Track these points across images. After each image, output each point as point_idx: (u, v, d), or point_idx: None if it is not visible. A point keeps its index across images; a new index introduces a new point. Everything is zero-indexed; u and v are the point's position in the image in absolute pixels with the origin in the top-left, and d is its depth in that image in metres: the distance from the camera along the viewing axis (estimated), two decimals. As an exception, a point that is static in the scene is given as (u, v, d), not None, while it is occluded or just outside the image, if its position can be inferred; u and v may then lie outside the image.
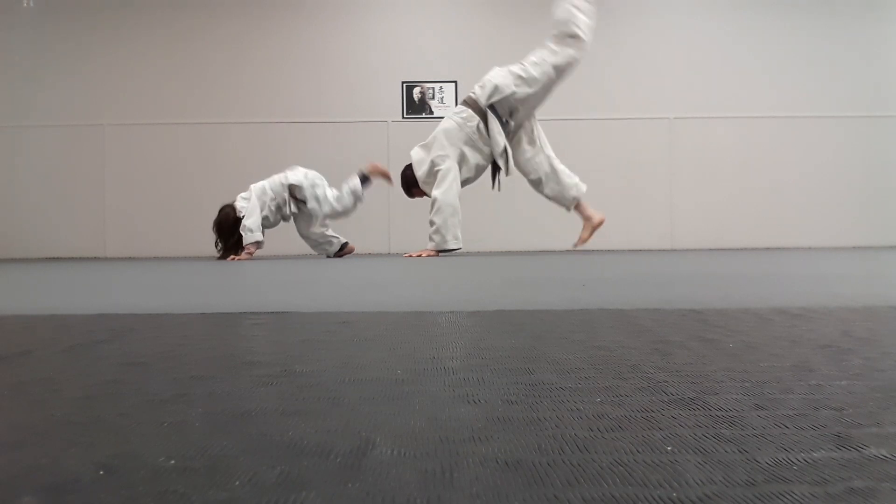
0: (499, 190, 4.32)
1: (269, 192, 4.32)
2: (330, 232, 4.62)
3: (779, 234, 5.68)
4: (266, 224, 4.35)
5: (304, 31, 5.78)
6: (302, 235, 4.62)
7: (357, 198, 4.52)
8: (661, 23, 5.81)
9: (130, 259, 5.15)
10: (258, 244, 4.25)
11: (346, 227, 5.66)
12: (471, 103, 4.18)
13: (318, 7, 5.78)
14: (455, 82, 5.76)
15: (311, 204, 4.38)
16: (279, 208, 4.38)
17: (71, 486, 0.36)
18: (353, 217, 5.68)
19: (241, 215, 4.25)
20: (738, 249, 5.31)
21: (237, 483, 0.36)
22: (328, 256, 4.64)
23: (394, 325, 1.01)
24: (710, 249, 5.39)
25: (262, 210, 4.25)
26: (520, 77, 4.05)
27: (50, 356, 0.80)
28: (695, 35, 5.80)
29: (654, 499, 0.34)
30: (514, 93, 4.04)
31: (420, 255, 4.06)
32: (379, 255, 5.26)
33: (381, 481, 0.36)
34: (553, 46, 4.08)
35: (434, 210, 4.04)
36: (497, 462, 0.39)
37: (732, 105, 5.77)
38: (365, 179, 4.56)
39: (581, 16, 4.04)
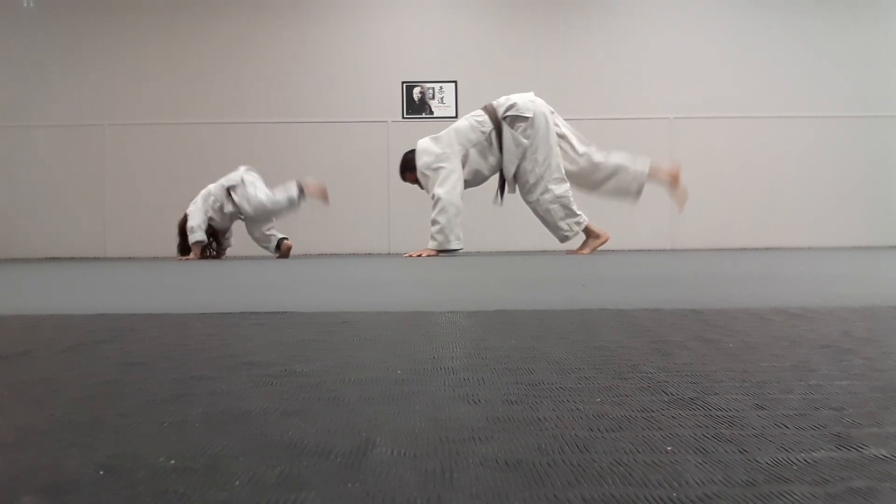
0: (500, 205, 4.33)
1: (212, 196, 4.57)
2: (271, 231, 4.77)
3: (779, 234, 5.68)
4: (216, 224, 4.62)
5: (305, 31, 5.78)
6: (251, 236, 4.81)
7: (292, 205, 4.69)
8: (661, 23, 5.81)
9: (130, 259, 5.15)
10: (199, 243, 4.48)
11: (347, 227, 5.66)
12: (489, 110, 4.19)
13: (319, 7, 5.78)
14: (455, 82, 5.76)
15: (239, 201, 4.56)
16: (221, 208, 4.58)
17: (71, 486, 0.36)
18: (353, 217, 5.69)
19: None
20: (738, 249, 5.31)
21: (237, 483, 0.36)
22: (273, 254, 4.82)
23: (394, 325, 1.01)
24: (710, 249, 5.39)
25: (205, 212, 4.52)
26: (533, 102, 4.08)
27: (50, 356, 0.80)
28: (695, 35, 5.80)
29: (654, 499, 0.34)
30: (529, 119, 4.04)
31: (420, 255, 4.06)
32: (379, 255, 5.26)
33: (381, 481, 0.36)
34: (589, 155, 4.14)
35: (437, 209, 4.04)
36: (497, 462, 0.39)
37: (732, 105, 5.77)
38: (302, 192, 4.70)
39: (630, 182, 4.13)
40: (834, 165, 5.76)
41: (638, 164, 4.16)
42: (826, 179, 5.75)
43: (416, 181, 4.28)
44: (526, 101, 4.10)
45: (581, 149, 4.17)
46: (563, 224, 4.12)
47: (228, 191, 4.57)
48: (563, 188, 4.09)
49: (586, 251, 4.22)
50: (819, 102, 5.78)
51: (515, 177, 4.17)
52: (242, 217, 4.67)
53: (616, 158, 4.17)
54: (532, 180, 4.09)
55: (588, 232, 4.21)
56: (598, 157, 4.17)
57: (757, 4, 5.80)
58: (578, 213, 4.13)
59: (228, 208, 4.58)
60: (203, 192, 4.60)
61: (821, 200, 5.74)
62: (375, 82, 5.76)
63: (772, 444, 0.43)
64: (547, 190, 4.07)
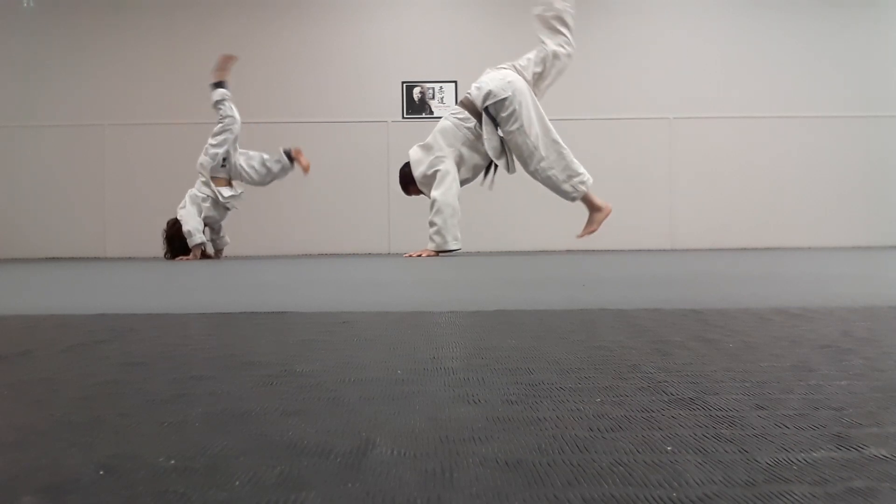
0: (490, 188, 4.31)
1: (200, 194, 4.57)
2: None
3: (779, 234, 5.68)
4: (212, 221, 4.66)
5: (305, 31, 5.78)
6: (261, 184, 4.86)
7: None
8: (661, 23, 5.81)
9: (130, 259, 5.15)
10: (199, 246, 4.48)
11: (347, 227, 5.66)
12: (467, 104, 4.18)
13: (319, 7, 5.78)
14: (455, 82, 5.76)
15: (237, 161, 4.67)
16: (215, 202, 4.61)
17: (71, 486, 0.36)
18: (353, 217, 5.69)
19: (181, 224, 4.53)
20: (738, 249, 5.31)
21: (237, 483, 0.36)
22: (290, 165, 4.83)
23: (394, 325, 1.01)
24: (710, 249, 5.39)
25: (199, 213, 4.52)
26: (509, 81, 4.05)
27: (50, 356, 0.80)
28: (695, 35, 5.80)
29: (654, 499, 0.34)
30: (508, 97, 4.03)
31: (420, 255, 4.07)
32: (379, 255, 5.26)
33: (381, 481, 0.36)
34: (543, 40, 4.10)
35: (434, 211, 4.04)
36: (497, 462, 0.39)
37: (732, 105, 5.77)
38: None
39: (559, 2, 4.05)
40: (834, 165, 5.76)
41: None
42: (826, 179, 5.75)
43: (420, 192, 4.28)
44: (498, 82, 4.07)
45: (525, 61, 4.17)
46: (566, 186, 4.10)
47: (223, 161, 4.59)
48: (558, 150, 4.08)
49: (594, 227, 4.21)
50: (819, 102, 5.78)
51: (512, 155, 4.16)
52: (236, 199, 4.65)
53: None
54: (526, 153, 4.09)
55: (591, 206, 4.20)
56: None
57: (757, 4, 5.80)
58: (580, 171, 4.09)
59: (223, 197, 4.57)
60: (189, 194, 4.57)
61: (821, 200, 5.74)
62: (375, 82, 5.76)
63: (772, 444, 0.43)
64: (542, 158, 4.07)
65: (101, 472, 0.38)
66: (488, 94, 4.06)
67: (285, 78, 5.75)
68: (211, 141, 4.62)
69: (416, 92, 5.76)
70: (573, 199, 4.19)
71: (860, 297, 1.38)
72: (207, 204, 4.56)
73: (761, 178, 5.73)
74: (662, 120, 5.75)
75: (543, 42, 4.14)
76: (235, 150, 4.70)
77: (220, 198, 4.58)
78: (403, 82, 5.77)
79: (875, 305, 1.19)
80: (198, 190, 4.58)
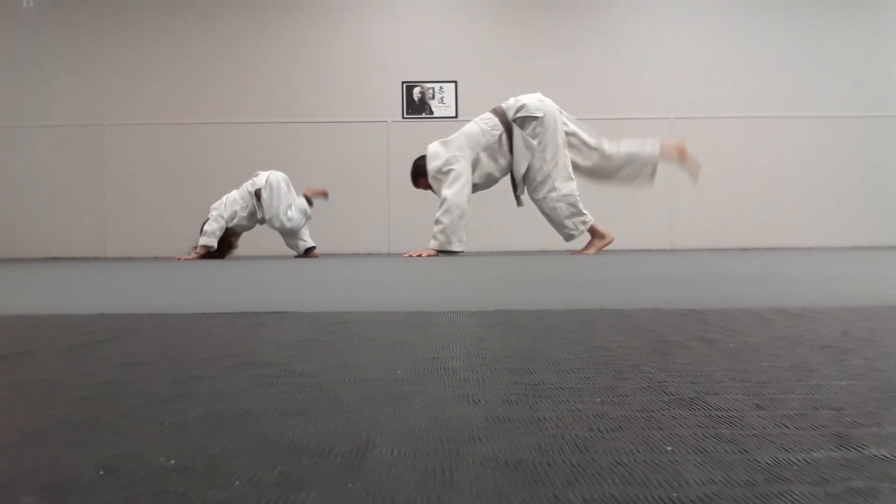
0: (520, 205, 4.34)
1: (241, 201, 4.53)
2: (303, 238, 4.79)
3: (779, 234, 5.68)
4: (240, 229, 4.62)
5: (305, 31, 5.78)
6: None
7: (306, 216, 4.68)
8: (661, 23, 5.81)
9: (130, 259, 5.15)
10: (207, 248, 4.45)
11: (347, 227, 5.66)
12: (499, 113, 4.19)
13: (319, 7, 5.78)
14: (455, 82, 5.76)
15: (266, 209, 4.54)
16: (252, 215, 4.57)
17: (71, 486, 0.36)
18: (354, 217, 5.69)
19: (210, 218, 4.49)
20: (738, 249, 5.31)
21: (237, 483, 0.36)
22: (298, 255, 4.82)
23: (394, 325, 1.01)
24: (710, 249, 5.39)
25: (227, 220, 4.47)
26: (542, 101, 4.10)
27: (50, 356, 0.80)
28: (695, 35, 5.80)
29: (654, 499, 0.34)
30: (540, 117, 4.05)
31: (420, 255, 4.06)
32: (379, 255, 5.26)
33: (381, 481, 0.36)
34: (601, 149, 4.17)
35: (442, 210, 4.04)
36: (497, 462, 0.39)
37: (732, 105, 5.77)
38: (309, 201, 4.73)
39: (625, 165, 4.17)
40: (834, 165, 5.76)
41: (648, 148, 4.19)
42: (826, 179, 5.75)
43: (428, 187, 4.28)
44: (535, 101, 4.11)
45: (592, 142, 4.20)
46: (568, 223, 4.12)
47: (257, 194, 4.52)
48: (570, 187, 4.10)
49: (591, 251, 4.23)
50: (819, 102, 5.78)
51: (524, 176, 4.18)
52: (264, 221, 4.64)
53: (626, 146, 4.20)
54: (539, 178, 4.10)
55: (593, 232, 4.21)
56: (608, 148, 4.20)
57: (757, 4, 5.80)
58: (584, 212, 4.13)
59: (260, 214, 4.55)
60: (228, 197, 4.53)
61: (821, 200, 5.74)
62: (375, 82, 5.76)
63: (772, 444, 0.43)
64: (554, 188, 4.08)
65: (101, 472, 0.38)
66: (522, 107, 4.09)
67: (285, 78, 5.75)
68: (275, 198, 4.51)
69: (416, 92, 5.77)
70: (570, 238, 4.21)
71: (860, 297, 1.38)
72: (245, 214, 4.52)
73: (761, 178, 5.73)
74: (662, 120, 5.75)
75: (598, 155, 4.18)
76: (278, 218, 4.60)
77: (259, 213, 4.53)
78: (403, 82, 5.77)
79: (875, 305, 1.19)
80: (240, 196, 4.54)
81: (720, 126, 5.76)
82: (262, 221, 4.62)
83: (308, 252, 4.75)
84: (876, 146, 5.78)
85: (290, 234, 4.67)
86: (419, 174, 4.29)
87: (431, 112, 5.75)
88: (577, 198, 4.11)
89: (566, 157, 4.12)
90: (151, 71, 5.76)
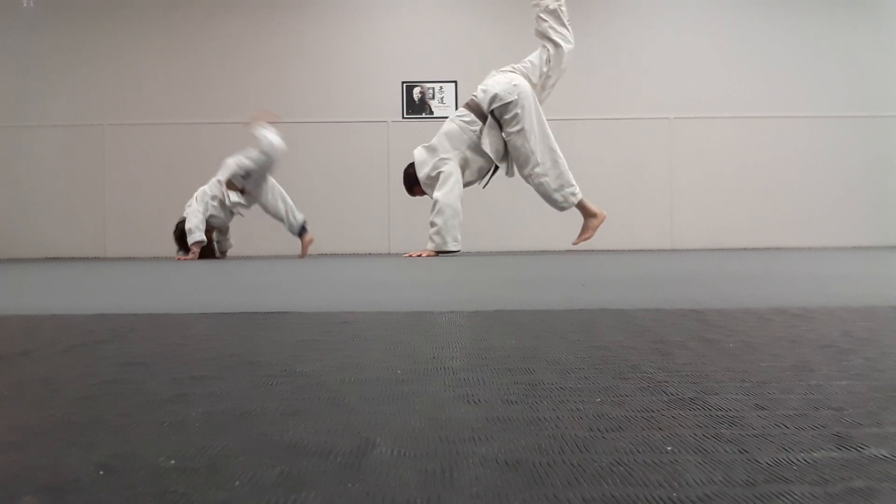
0: (483, 187, 4.35)
1: (209, 192, 4.58)
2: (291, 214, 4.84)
3: (779, 234, 5.68)
4: (217, 223, 4.66)
5: (305, 31, 5.78)
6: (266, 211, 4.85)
7: (274, 151, 4.67)
8: (661, 23, 5.81)
9: (130, 259, 5.15)
10: (199, 243, 4.49)
11: (347, 227, 5.67)
12: (473, 107, 4.19)
13: (319, 7, 5.78)
14: (455, 82, 5.76)
15: (252, 186, 4.64)
16: (222, 204, 4.61)
17: (71, 486, 0.36)
18: (354, 217, 5.69)
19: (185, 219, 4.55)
20: (738, 249, 5.31)
21: (237, 483, 0.36)
22: (292, 233, 4.87)
23: (394, 325, 1.01)
24: (710, 249, 5.39)
25: (203, 213, 4.53)
26: (515, 85, 4.07)
27: (50, 356, 0.80)
28: (695, 35, 5.80)
29: (654, 499, 0.34)
30: (513, 100, 4.04)
31: (420, 256, 4.07)
32: (379, 255, 5.26)
33: (381, 481, 0.36)
34: (546, 38, 4.13)
35: (435, 211, 4.05)
36: (497, 462, 0.39)
37: (732, 105, 5.77)
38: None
39: None
40: (834, 165, 5.76)
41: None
42: (826, 179, 5.75)
43: (424, 193, 4.29)
44: (504, 85, 4.08)
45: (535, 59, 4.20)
46: (557, 196, 4.13)
47: (229, 182, 4.59)
48: (553, 158, 4.09)
49: (589, 234, 4.23)
50: (819, 102, 5.78)
51: (511, 158, 4.18)
52: (242, 207, 4.70)
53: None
54: (524, 156, 4.10)
55: (585, 212, 4.21)
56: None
57: (757, 4, 5.80)
58: (573, 183, 4.13)
59: (230, 200, 4.59)
60: (198, 192, 4.58)
61: (821, 200, 5.74)
62: (375, 82, 5.76)
63: (772, 444, 0.43)
64: (538, 163, 4.09)
65: (101, 472, 0.38)
66: (494, 98, 4.07)
67: (285, 78, 5.75)
68: (250, 154, 4.60)
69: (416, 92, 5.77)
70: (562, 209, 4.21)
71: (860, 297, 1.38)
72: (215, 203, 4.57)
73: (761, 178, 5.73)
74: (662, 120, 5.75)
75: (544, 42, 4.15)
76: (265, 179, 4.68)
77: (227, 201, 4.59)
78: (403, 82, 5.77)
79: (875, 305, 1.19)
80: (208, 188, 4.59)
81: (720, 126, 5.76)
82: (234, 211, 4.69)
83: (301, 233, 4.79)
84: (875, 146, 5.78)
85: (263, 173, 4.65)
86: (412, 182, 4.30)
87: (431, 112, 5.75)
88: (564, 170, 4.10)
89: (545, 127, 4.11)
90: (151, 71, 5.76)
